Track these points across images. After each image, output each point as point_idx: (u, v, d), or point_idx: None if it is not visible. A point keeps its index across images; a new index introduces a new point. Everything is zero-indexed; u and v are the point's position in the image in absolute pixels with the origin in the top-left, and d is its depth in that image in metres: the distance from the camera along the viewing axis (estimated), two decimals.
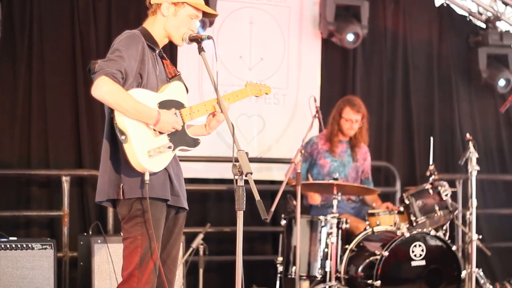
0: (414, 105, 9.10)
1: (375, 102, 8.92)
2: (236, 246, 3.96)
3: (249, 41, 8.42)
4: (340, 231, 6.89)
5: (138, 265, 4.26)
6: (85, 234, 6.90)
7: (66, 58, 7.67)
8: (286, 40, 8.55)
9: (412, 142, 9.09)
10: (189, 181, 7.64)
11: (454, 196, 7.59)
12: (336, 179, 6.91)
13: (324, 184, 7.00)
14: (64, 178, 7.25)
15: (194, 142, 4.47)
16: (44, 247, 6.31)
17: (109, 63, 4.15)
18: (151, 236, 4.25)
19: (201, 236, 7.31)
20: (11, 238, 6.39)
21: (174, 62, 7.82)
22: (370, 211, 7.24)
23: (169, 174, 4.38)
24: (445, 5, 9.36)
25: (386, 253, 6.61)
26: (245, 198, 3.93)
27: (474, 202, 7.43)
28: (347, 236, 7.06)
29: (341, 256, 6.91)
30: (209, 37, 4.41)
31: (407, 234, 6.70)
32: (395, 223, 6.93)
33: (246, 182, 3.92)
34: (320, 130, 7.57)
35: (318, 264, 6.90)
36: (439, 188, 7.07)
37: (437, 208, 7.04)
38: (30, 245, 6.27)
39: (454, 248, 6.91)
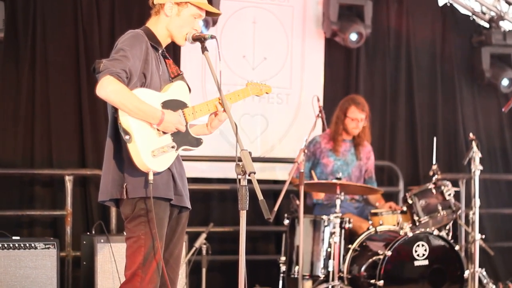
0: (417, 105, 9.10)
1: (378, 102, 8.92)
2: (239, 245, 3.96)
3: (252, 41, 8.43)
4: (343, 231, 6.89)
5: (141, 264, 4.26)
6: (88, 233, 6.90)
7: (70, 57, 7.68)
8: (289, 39, 8.55)
9: (415, 142, 9.09)
10: (192, 180, 7.65)
11: (457, 195, 7.60)
12: (339, 178, 6.91)
13: (327, 183, 7.00)
14: (67, 178, 7.26)
15: (197, 142, 4.48)
16: (47, 246, 6.32)
17: (114, 63, 4.15)
18: (154, 236, 4.26)
19: (204, 235, 7.31)
20: (14, 238, 6.40)
21: (177, 61, 7.83)
22: (373, 211, 7.24)
23: (172, 174, 4.38)
24: (448, 4, 9.36)
25: (389, 253, 6.61)
26: (248, 198, 3.94)
27: (477, 201, 7.43)
28: (350, 235, 7.05)
29: (344, 256, 6.90)
30: (212, 37, 4.41)
31: (410, 234, 6.69)
32: (398, 223, 6.93)
33: (249, 181, 3.93)
34: (323, 130, 7.57)
35: (321, 263, 6.90)
36: (442, 187, 7.06)
37: (440, 207, 7.04)
38: (33, 245, 6.28)
39: (457, 247, 6.90)
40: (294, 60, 8.56)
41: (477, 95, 9.51)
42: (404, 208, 7.15)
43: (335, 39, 8.58)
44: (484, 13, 9.44)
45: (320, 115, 6.95)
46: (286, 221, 7.04)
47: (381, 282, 6.57)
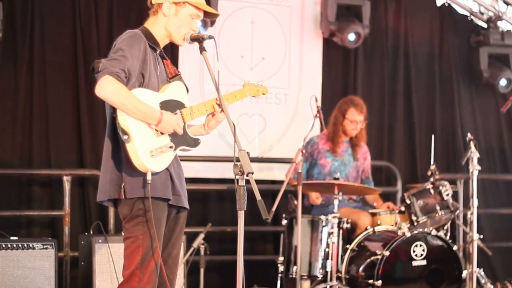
0: (415, 105, 9.10)
1: (376, 102, 8.92)
2: (237, 245, 3.96)
3: (250, 41, 8.43)
4: (341, 231, 6.89)
5: (140, 264, 4.26)
6: (86, 233, 6.90)
7: (68, 57, 7.68)
8: (287, 39, 8.55)
9: (413, 142, 9.09)
10: (190, 180, 7.64)
11: (455, 195, 7.60)
12: (337, 178, 6.91)
13: (325, 183, 7.01)
14: (65, 178, 7.25)
15: (195, 142, 4.48)
16: (45, 246, 6.32)
17: (113, 63, 4.15)
18: (152, 236, 4.26)
19: (202, 235, 7.31)
20: (12, 238, 6.39)
21: (175, 61, 7.83)
22: (371, 211, 7.25)
23: (171, 174, 4.38)
24: (446, 4, 9.36)
25: (387, 253, 6.61)
26: (246, 198, 3.93)
27: (475, 201, 7.43)
28: (351, 228, 7.04)
29: (342, 256, 6.91)
30: (210, 37, 4.41)
31: (408, 234, 6.70)
32: (396, 223, 6.94)
33: (247, 181, 3.92)
34: (321, 130, 7.57)
35: (319, 264, 6.91)
36: (440, 187, 7.07)
37: (438, 207, 7.04)
38: (31, 245, 6.28)
39: (455, 248, 6.91)
40: (292, 60, 8.57)
41: (475, 95, 9.51)
42: (402, 208, 7.15)
43: (333, 39, 8.58)
44: (482, 13, 9.45)
45: (318, 115, 6.95)
46: (284, 221, 7.04)
47: (379, 282, 6.57)
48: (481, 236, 7.65)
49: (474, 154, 7.29)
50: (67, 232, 7.24)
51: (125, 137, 4.16)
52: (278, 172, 8.43)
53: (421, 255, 6.74)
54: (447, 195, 7.07)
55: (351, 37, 8.46)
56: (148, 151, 4.20)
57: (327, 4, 8.41)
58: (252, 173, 3.89)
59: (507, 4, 9.39)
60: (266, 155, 8.46)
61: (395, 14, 9.08)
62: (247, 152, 3.97)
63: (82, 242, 6.71)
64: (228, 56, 8.26)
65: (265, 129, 8.47)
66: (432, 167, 7.15)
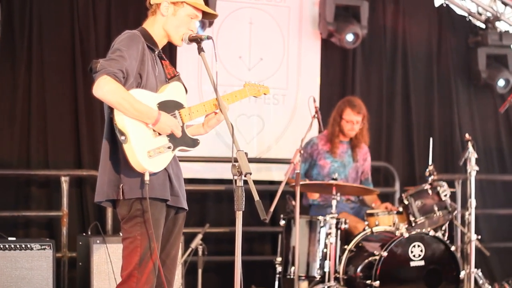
0: (413, 105, 9.10)
1: (374, 102, 8.92)
2: (235, 246, 3.96)
3: (248, 41, 8.42)
4: (339, 232, 6.89)
5: (138, 265, 4.26)
6: (84, 234, 6.89)
7: (66, 58, 7.67)
8: (285, 40, 8.55)
9: (411, 143, 9.09)
10: (188, 181, 7.64)
11: (453, 196, 7.59)
12: (335, 179, 6.91)
13: (323, 184, 7.01)
14: (63, 179, 7.25)
15: (193, 143, 4.48)
16: (43, 247, 6.32)
17: (111, 63, 4.16)
18: (150, 236, 4.26)
19: (200, 236, 7.31)
20: (10, 238, 6.39)
21: (173, 62, 7.83)
22: (369, 212, 7.24)
23: (169, 174, 4.38)
24: (444, 5, 9.36)
25: (385, 254, 6.61)
26: (244, 199, 3.93)
27: (473, 202, 7.44)
28: (346, 236, 7.06)
29: (340, 257, 6.91)
30: (208, 37, 4.41)
31: (406, 235, 6.70)
32: (394, 224, 6.94)
33: (245, 182, 3.92)
34: (320, 131, 7.57)
35: (317, 264, 6.91)
36: (438, 188, 7.07)
37: (436, 208, 7.04)
38: (29, 246, 6.27)
39: (453, 248, 6.92)
40: (291, 60, 8.56)
41: (473, 96, 9.51)
42: (400, 209, 7.15)
43: (331, 40, 8.58)
44: (480, 14, 9.45)
45: (316, 115, 6.94)
46: (282, 222, 7.04)
47: (377, 283, 6.57)
48: (479, 237, 7.65)
49: (472, 154, 7.30)
50: (65, 232, 7.24)
51: (122, 137, 4.16)
52: (276, 173, 8.43)
53: (419, 255, 6.74)
54: (445, 195, 7.07)
55: (349, 37, 8.45)
56: (145, 151, 4.20)
57: (325, 5, 8.40)
58: (250, 174, 3.88)
59: (505, 4, 9.39)
60: (264, 155, 8.46)
61: (393, 14, 9.08)
62: (245, 153, 3.97)
63: (80, 243, 6.71)
64: (226, 57, 8.26)
65: (263, 130, 8.47)
66: (430, 167, 7.15)
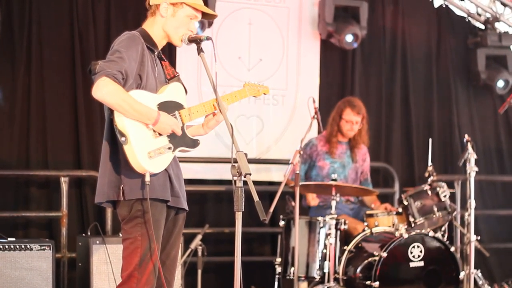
0: (412, 106, 9.10)
1: (373, 103, 8.92)
2: (234, 247, 3.96)
3: (248, 42, 8.42)
4: (338, 232, 6.89)
5: (138, 265, 4.26)
6: (84, 235, 6.89)
7: (65, 58, 7.67)
8: (285, 41, 8.55)
9: (410, 143, 9.09)
10: (188, 182, 7.60)
11: (452, 197, 7.59)
12: (334, 180, 6.92)
13: (323, 185, 7.01)
14: (62, 179, 7.25)
15: (194, 143, 4.48)
16: (42, 248, 6.32)
17: (110, 64, 4.15)
18: (151, 237, 4.25)
19: (199, 237, 7.31)
20: (9, 239, 6.39)
21: (173, 63, 7.83)
22: (368, 212, 7.24)
23: (169, 175, 4.38)
24: (444, 6, 9.36)
25: (384, 254, 6.62)
26: (244, 199, 3.93)
27: (472, 203, 7.43)
28: (345, 237, 7.06)
29: (340, 257, 6.91)
30: (208, 38, 4.41)
31: (405, 235, 6.70)
32: (393, 224, 6.94)
33: (245, 183, 3.93)
34: (319, 131, 7.57)
35: (316, 265, 6.91)
36: (438, 189, 7.07)
37: (435, 209, 7.04)
38: (28, 246, 6.28)
39: (452, 249, 6.92)
40: (290, 61, 8.57)
41: (472, 97, 9.51)
42: (400, 210, 7.15)
43: (330, 41, 8.58)
44: (479, 15, 9.45)
45: (315, 116, 6.94)
46: (282, 223, 7.04)
47: (376, 284, 6.57)
48: (479, 238, 7.65)
49: (471, 155, 7.30)
50: (65, 233, 7.23)
51: (123, 139, 4.16)
52: (275, 173, 8.43)
53: (419, 256, 6.75)
54: (445, 196, 7.08)
55: (349, 38, 8.45)
56: (146, 152, 4.20)
57: (325, 5, 8.40)
58: (250, 174, 3.88)
59: (505, 5, 9.39)
60: (264, 156, 8.46)
61: (393, 15, 9.09)
62: (245, 153, 3.97)
63: (80, 243, 6.71)
64: (226, 57, 8.26)
65: (262, 131, 8.47)
66: (430, 168, 7.15)
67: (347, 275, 6.87)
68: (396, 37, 9.09)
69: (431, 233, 6.82)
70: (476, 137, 9.19)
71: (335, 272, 6.82)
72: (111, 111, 4.21)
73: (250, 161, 3.98)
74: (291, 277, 6.84)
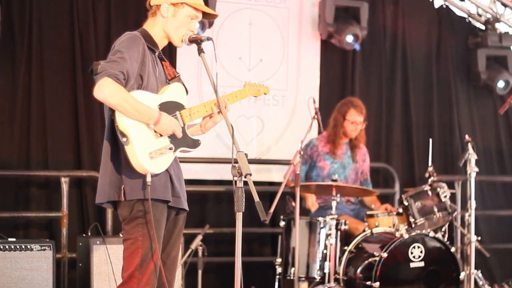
0: (413, 107, 9.10)
1: (374, 104, 8.92)
2: (235, 247, 3.96)
3: (248, 42, 8.42)
4: (339, 233, 6.89)
5: (139, 266, 4.26)
6: (84, 235, 6.89)
7: (66, 58, 7.67)
8: (285, 41, 8.55)
9: (411, 144, 9.09)
10: (188, 182, 7.54)
11: (453, 197, 7.59)
12: (335, 180, 6.92)
13: (323, 185, 7.01)
14: (63, 179, 7.25)
15: (194, 143, 4.48)
16: (43, 248, 6.32)
17: (112, 64, 4.16)
18: (152, 237, 4.26)
19: (200, 237, 7.31)
20: (10, 239, 6.40)
21: (173, 63, 7.83)
22: (368, 213, 7.25)
23: (170, 175, 4.38)
24: (444, 6, 9.36)
25: (385, 255, 6.61)
26: (244, 200, 3.93)
27: (473, 203, 7.43)
28: (346, 237, 7.06)
29: (340, 258, 6.91)
30: (208, 38, 4.41)
31: (406, 236, 6.70)
32: (394, 225, 6.93)
33: (245, 183, 3.92)
34: (319, 132, 7.57)
35: (317, 265, 6.91)
36: (438, 189, 7.07)
37: (436, 209, 7.04)
38: (29, 246, 6.28)
39: (453, 249, 6.92)
40: (290, 61, 8.57)
41: (473, 97, 9.51)
42: (400, 210, 7.15)
43: (331, 41, 8.58)
44: (480, 15, 9.45)
45: (316, 116, 6.94)
46: (282, 223, 7.04)
47: (377, 284, 6.57)
48: (479, 238, 7.65)
49: (471, 155, 7.30)
50: (65, 233, 7.23)
51: (124, 139, 4.16)
52: (276, 174, 8.43)
53: (419, 256, 6.74)
54: (445, 196, 7.08)
55: (349, 38, 8.45)
56: (147, 153, 4.20)
57: (325, 6, 8.40)
58: (250, 175, 3.88)
59: (505, 6, 9.39)
60: (264, 156, 8.46)
61: (393, 15, 9.08)
62: (245, 154, 3.97)
63: (80, 244, 6.72)
64: (226, 58, 8.26)
65: (263, 131, 8.46)
66: (430, 168, 7.15)
67: (348, 275, 6.87)
68: (396, 38, 9.09)
69: (432, 234, 6.82)
70: (476, 137, 9.19)
71: (336, 272, 6.83)
72: (112, 112, 4.21)
73: (251, 161, 3.98)
74: (292, 278, 6.84)
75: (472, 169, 7.32)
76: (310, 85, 8.59)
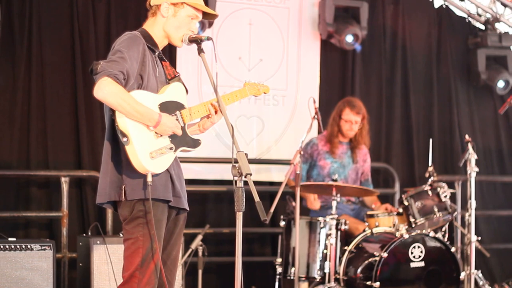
0: (413, 107, 9.10)
1: (374, 104, 8.92)
2: (235, 247, 3.96)
3: (248, 42, 8.42)
4: (339, 233, 6.89)
5: (139, 266, 4.26)
6: (84, 235, 6.90)
7: (66, 58, 7.67)
8: (285, 41, 8.55)
9: (411, 144, 9.09)
10: (188, 182, 7.54)
11: (453, 197, 7.60)
12: (335, 180, 6.92)
13: (323, 185, 7.01)
14: (63, 179, 7.25)
15: (195, 143, 4.48)
16: (43, 248, 6.32)
17: (111, 64, 4.16)
18: (152, 237, 4.26)
19: (200, 237, 7.31)
20: (10, 239, 6.40)
21: (173, 63, 7.83)
22: (369, 213, 7.25)
23: (171, 175, 4.39)
24: (444, 6, 9.36)
25: (385, 255, 6.62)
26: (244, 199, 3.94)
27: (473, 203, 7.44)
28: (346, 237, 7.06)
29: (340, 258, 6.91)
30: (208, 38, 4.42)
31: (406, 236, 6.70)
32: (394, 225, 6.93)
33: (246, 183, 3.93)
34: (319, 131, 7.57)
35: (317, 265, 6.91)
36: (438, 189, 7.07)
37: (436, 209, 7.04)
38: (29, 246, 6.28)
39: (453, 249, 6.92)
40: (290, 61, 8.57)
41: (473, 97, 9.51)
42: (400, 210, 7.15)
43: (331, 41, 8.58)
44: (480, 15, 9.45)
45: (316, 116, 6.94)
46: (282, 223, 7.04)
47: (377, 284, 6.57)
48: (479, 238, 7.66)
49: (472, 155, 7.30)
50: (65, 233, 7.23)
51: (124, 139, 4.16)
52: (276, 174, 8.43)
53: (419, 256, 6.75)
54: (445, 196, 7.08)
55: (349, 38, 8.45)
56: (147, 153, 4.20)
57: (325, 6, 8.40)
58: (251, 175, 3.89)
59: (505, 6, 9.39)
60: (264, 156, 8.46)
61: (393, 15, 9.08)
62: (245, 154, 3.97)
63: (80, 243, 6.72)
64: (226, 58, 8.26)
65: (263, 131, 8.46)
66: (430, 168, 7.15)
67: (348, 275, 6.87)
68: (396, 38, 9.09)
69: (432, 234, 6.82)
70: (476, 137, 9.19)
71: (336, 272, 6.83)
72: (112, 112, 4.21)
73: (251, 161, 3.99)
74: (292, 278, 6.84)
75: (472, 169, 7.32)
76: (310, 85, 8.59)
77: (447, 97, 9.29)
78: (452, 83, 9.31)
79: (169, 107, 4.36)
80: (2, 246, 6.18)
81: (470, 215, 7.48)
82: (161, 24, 4.48)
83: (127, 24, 7.59)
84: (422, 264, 6.76)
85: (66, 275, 7.19)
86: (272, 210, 6.56)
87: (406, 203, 7.07)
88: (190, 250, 7.18)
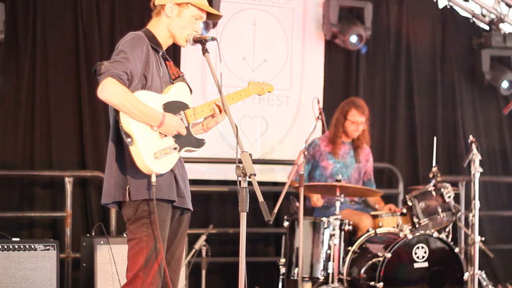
0: (417, 107, 9.09)
1: (378, 104, 8.92)
2: (239, 247, 3.96)
3: (252, 43, 8.42)
4: (342, 233, 6.89)
5: (143, 266, 4.27)
6: (88, 235, 6.90)
7: (70, 59, 7.67)
8: (289, 41, 8.55)
9: (415, 144, 9.08)
10: (192, 182, 7.54)
11: (457, 198, 7.60)
12: (339, 180, 6.92)
13: (327, 185, 7.01)
14: (67, 179, 7.25)
15: (199, 143, 4.48)
16: (47, 248, 6.33)
17: (115, 65, 4.16)
18: (156, 237, 4.26)
19: (203, 237, 7.31)
20: (14, 239, 6.40)
21: (177, 63, 7.83)
22: (372, 213, 7.24)
23: (175, 175, 4.39)
24: (448, 7, 9.35)
25: (388, 255, 6.61)
26: (248, 200, 3.94)
27: (477, 204, 7.43)
28: (350, 235, 7.05)
29: (344, 258, 6.91)
30: (213, 39, 4.41)
31: (410, 236, 6.70)
32: (397, 225, 6.94)
33: (249, 183, 3.93)
34: (323, 132, 7.57)
35: (320, 265, 6.91)
36: (442, 190, 7.07)
37: (440, 210, 7.04)
38: (33, 246, 6.29)
39: (456, 250, 6.91)
40: (294, 62, 8.57)
41: (477, 98, 9.51)
42: (404, 210, 7.15)
43: (335, 41, 8.58)
44: (484, 16, 9.45)
45: (320, 117, 6.95)
46: (286, 223, 7.05)
47: (380, 284, 6.57)
48: (483, 238, 7.64)
49: (476, 156, 7.29)
50: (69, 233, 7.24)
51: (128, 140, 4.16)
52: (280, 174, 8.43)
53: (423, 257, 6.74)
54: (449, 197, 7.08)
55: (353, 39, 8.45)
56: (152, 153, 4.21)
57: (329, 6, 8.41)
58: (254, 175, 3.89)
59: (509, 6, 9.39)
60: (268, 156, 8.46)
61: (397, 16, 9.08)
62: (249, 154, 3.97)
63: (84, 244, 6.72)
64: (230, 58, 8.26)
65: (267, 131, 8.46)
66: (434, 169, 7.15)
67: (351, 275, 6.87)
68: (400, 38, 9.08)
69: (435, 234, 6.82)
70: (480, 138, 9.19)
71: (339, 272, 6.82)
72: (116, 112, 4.21)
73: (254, 161, 3.98)
74: (295, 278, 6.85)
75: (476, 170, 7.31)
76: (314, 85, 8.59)
77: (451, 98, 9.29)
78: (456, 83, 9.31)
79: (173, 107, 4.37)
80: (6, 246, 6.19)
81: (474, 216, 7.47)
82: (166, 24, 4.48)
83: (131, 24, 7.59)
84: (425, 264, 6.75)
85: (69, 275, 7.20)
86: (275, 210, 6.56)
87: (410, 203, 7.07)
88: (193, 250, 7.18)
